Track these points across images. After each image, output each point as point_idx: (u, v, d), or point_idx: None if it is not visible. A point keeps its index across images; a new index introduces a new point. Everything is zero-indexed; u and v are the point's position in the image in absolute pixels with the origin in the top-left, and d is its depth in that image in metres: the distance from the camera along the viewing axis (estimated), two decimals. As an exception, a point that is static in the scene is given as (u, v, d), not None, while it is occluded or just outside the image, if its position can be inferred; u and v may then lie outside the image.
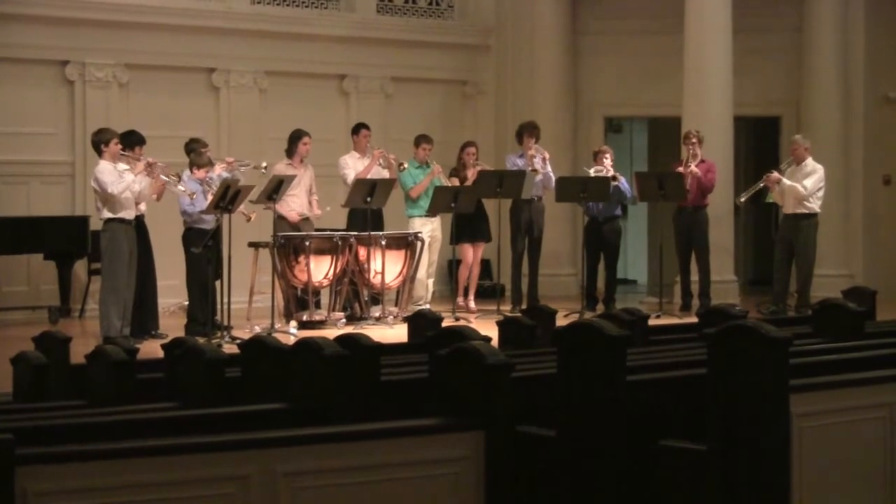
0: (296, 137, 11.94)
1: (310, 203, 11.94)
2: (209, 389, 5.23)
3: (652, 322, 7.73)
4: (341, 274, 11.55)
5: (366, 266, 11.66)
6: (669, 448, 4.57)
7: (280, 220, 11.63)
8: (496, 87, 15.53)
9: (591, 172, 12.49)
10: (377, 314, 11.64)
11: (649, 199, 13.19)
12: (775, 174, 12.22)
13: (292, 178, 11.33)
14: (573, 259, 14.59)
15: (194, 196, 10.65)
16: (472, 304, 12.80)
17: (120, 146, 10.44)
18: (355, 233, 11.73)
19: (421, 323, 7.40)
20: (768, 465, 4.38)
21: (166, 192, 10.81)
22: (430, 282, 12.71)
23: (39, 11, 12.76)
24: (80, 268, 12.88)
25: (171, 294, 12.08)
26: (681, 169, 12.49)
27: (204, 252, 10.52)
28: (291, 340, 7.56)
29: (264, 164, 11.39)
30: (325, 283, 11.53)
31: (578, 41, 15.20)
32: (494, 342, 6.19)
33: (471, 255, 12.85)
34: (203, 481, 3.88)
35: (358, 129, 12.60)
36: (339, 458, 4.09)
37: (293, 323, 11.19)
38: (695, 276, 12.75)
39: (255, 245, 11.43)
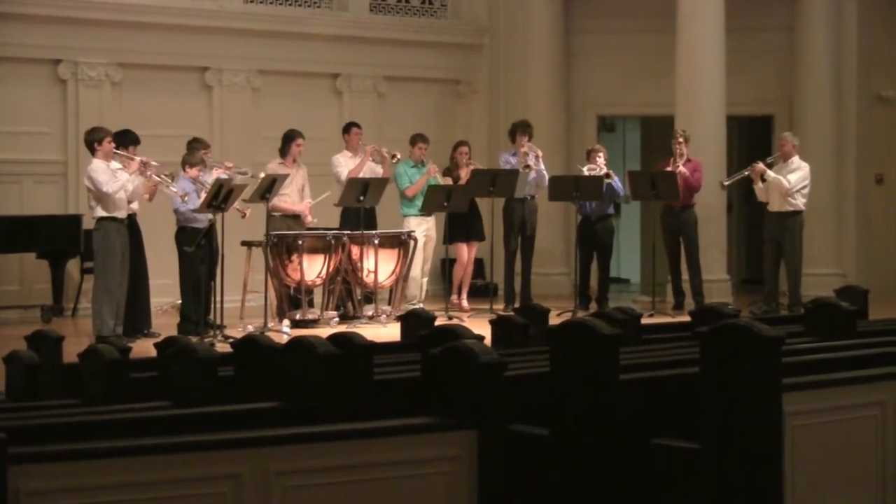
0: (289, 138, 11.94)
1: (302, 201, 11.95)
2: (202, 388, 5.22)
3: (645, 321, 7.75)
4: (334, 273, 11.55)
5: (359, 265, 11.65)
6: (662, 447, 4.58)
7: (274, 217, 11.59)
8: (489, 87, 15.53)
9: (585, 171, 12.50)
10: (370, 313, 11.63)
11: (642, 198, 13.18)
12: (760, 165, 12.21)
13: (285, 176, 11.32)
14: (566, 258, 14.60)
15: (186, 197, 10.65)
16: (465, 303, 12.81)
17: (113, 145, 10.44)
18: (348, 231, 11.72)
19: (414, 322, 7.39)
20: (761, 463, 4.38)
21: (159, 192, 10.80)
22: (424, 281, 12.71)
23: (32, 10, 12.73)
24: (72, 267, 12.87)
25: (164, 293, 12.08)
26: (669, 168, 12.50)
27: (197, 251, 10.51)
28: (284, 339, 7.55)
29: (262, 175, 11.33)
30: (319, 281, 11.53)
31: (571, 40, 15.21)
32: (487, 341, 6.20)
33: (465, 254, 12.85)
34: (195, 480, 3.88)
35: (349, 127, 12.60)
36: (332, 457, 4.09)
37: (286, 322, 11.18)
38: (686, 276, 12.75)
39: (248, 244, 11.41)
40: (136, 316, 10.71)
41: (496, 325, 7.26)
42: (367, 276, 11.66)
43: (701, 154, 12.78)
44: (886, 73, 14.73)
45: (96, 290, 10.40)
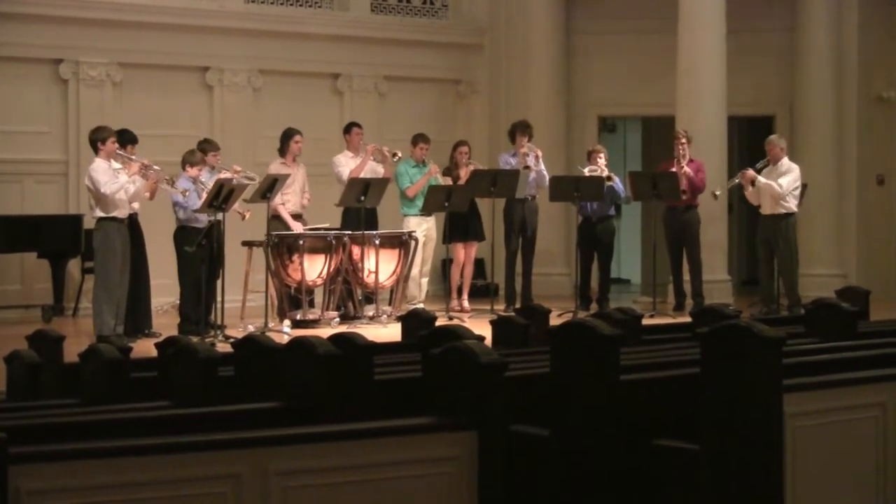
0: (288, 136, 11.94)
1: (302, 200, 11.96)
2: (202, 388, 5.22)
3: (645, 321, 7.75)
4: (335, 273, 11.55)
5: (359, 265, 11.65)
6: (663, 447, 4.58)
7: (275, 219, 11.59)
8: (490, 87, 15.53)
9: (586, 172, 12.49)
10: (371, 313, 11.63)
11: (643, 199, 13.18)
12: (750, 171, 12.16)
13: (286, 177, 11.32)
14: (567, 258, 14.60)
15: (187, 193, 10.66)
16: (465, 304, 12.80)
17: (116, 145, 10.46)
18: (349, 232, 11.72)
19: (414, 322, 7.39)
20: (761, 464, 4.38)
21: (160, 191, 10.81)
22: (424, 281, 12.71)
23: (33, 10, 12.75)
24: (73, 266, 12.88)
25: (165, 293, 12.08)
26: (674, 169, 12.49)
27: (197, 251, 10.51)
28: (285, 339, 7.54)
29: None
30: (319, 282, 11.52)
31: (572, 41, 15.21)
32: (488, 341, 6.20)
33: (461, 254, 12.85)
34: (196, 480, 3.88)
35: (350, 127, 12.60)
36: (333, 457, 4.09)
37: (287, 322, 11.18)
38: (687, 276, 12.75)
39: (248, 244, 11.41)
40: (137, 316, 10.71)
41: (497, 325, 7.26)
42: (367, 276, 11.66)
43: (702, 155, 12.77)
44: (887, 73, 14.72)
45: (96, 289, 10.41)
